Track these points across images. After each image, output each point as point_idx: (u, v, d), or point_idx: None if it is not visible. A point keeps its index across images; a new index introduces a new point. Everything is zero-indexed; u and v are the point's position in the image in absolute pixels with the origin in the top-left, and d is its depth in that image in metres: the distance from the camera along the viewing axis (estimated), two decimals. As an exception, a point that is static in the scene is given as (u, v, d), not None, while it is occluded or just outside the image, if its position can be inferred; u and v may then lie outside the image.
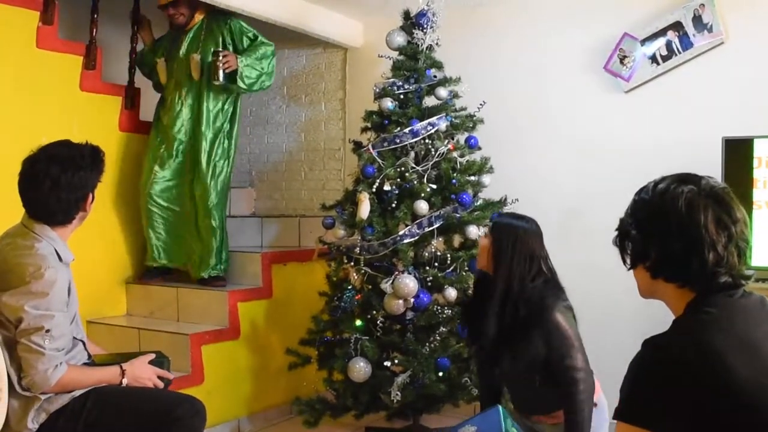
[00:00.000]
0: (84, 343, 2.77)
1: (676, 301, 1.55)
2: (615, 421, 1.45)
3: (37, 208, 2.59)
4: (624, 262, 1.63)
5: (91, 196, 2.66)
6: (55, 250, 2.57)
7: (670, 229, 1.49)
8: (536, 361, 2.62)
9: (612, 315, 4.13)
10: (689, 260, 1.47)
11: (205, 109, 4.47)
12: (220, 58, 4.29)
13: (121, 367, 2.68)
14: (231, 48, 4.45)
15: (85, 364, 2.71)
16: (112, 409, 2.60)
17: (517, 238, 2.74)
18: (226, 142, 4.57)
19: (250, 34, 4.50)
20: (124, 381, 2.67)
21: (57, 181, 2.53)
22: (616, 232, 1.63)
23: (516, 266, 2.70)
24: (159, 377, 2.78)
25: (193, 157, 4.52)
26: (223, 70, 4.30)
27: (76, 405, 2.56)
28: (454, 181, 3.86)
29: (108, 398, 2.61)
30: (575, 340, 2.60)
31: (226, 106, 4.57)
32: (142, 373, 2.72)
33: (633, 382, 1.44)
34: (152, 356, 2.81)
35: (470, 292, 3.13)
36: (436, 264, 3.86)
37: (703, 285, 1.49)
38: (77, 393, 2.57)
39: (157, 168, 4.53)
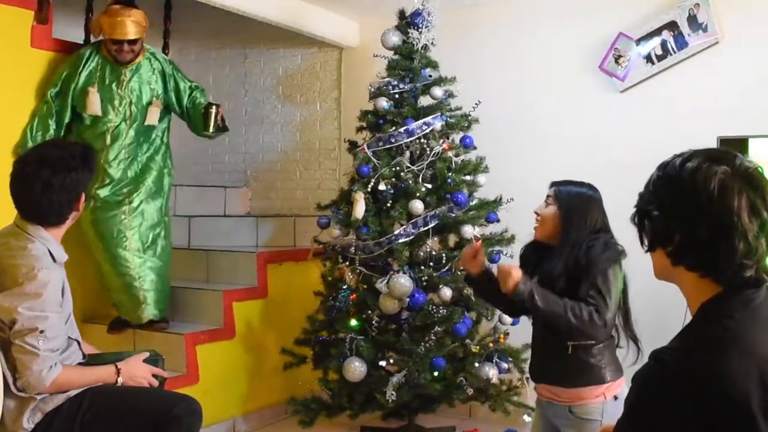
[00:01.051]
0: (79, 343, 2.76)
1: (694, 292, 1.40)
2: None
3: (29, 209, 2.58)
4: (641, 242, 1.48)
5: (83, 195, 2.65)
6: (49, 251, 2.56)
7: (698, 212, 1.34)
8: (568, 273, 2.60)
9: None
10: (717, 249, 1.33)
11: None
12: (214, 110, 4.16)
13: (116, 366, 2.67)
14: (162, 89, 4.23)
15: (79, 363, 2.70)
16: (108, 409, 2.60)
17: (588, 207, 2.73)
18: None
19: (189, 82, 4.35)
20: (120, 380, 2.67)
21: (49, 183, 2.51)
22: (635, 209, 1.48)
23: (583, 234, 2.67)
24: (154, 376, 2.77)
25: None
26: (218, 123, 4.19)
27: (72, 405, 2.56)
28: (449, 180, 3.86)
29: (104, 398, 2.61)
30: (614, 295, 2.56)
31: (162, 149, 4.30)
32: (137, 371, 2.72)
33: (639, 399, 1.32)
34: (146, 355, 2.80)
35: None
36: (432, 263, 3.85)
37: (728, 277, 1.34)
38: (73, 393, 2.56)
39: None
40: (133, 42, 4.02)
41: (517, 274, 2.52)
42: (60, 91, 4.05)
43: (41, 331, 2.42)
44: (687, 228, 1.36)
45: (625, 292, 2.68)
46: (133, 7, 4.06)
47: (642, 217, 1.45)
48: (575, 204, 2.75)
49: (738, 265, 1.32)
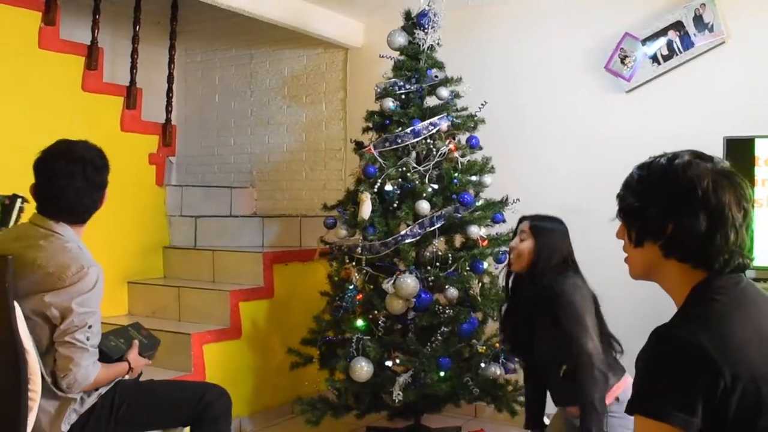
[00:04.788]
0: None
1: (680, 284, 1.50)
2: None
3: (67, 207, 2.55)
4: (629, 238, 1.57)
5: (106, 194, 2.68)
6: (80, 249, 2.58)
7: (696, 205, 1.44)
8: (558, 344, 2.74)
9: (615, 312, 4.12)
10: (712, 239, 1.44)
11: None
12: None
13: (128, 362, 2.73)
14: None
15: None
16: (142, 403, 2.70)
17: (557, 240, 2.96)
18: None
19: None
20: (127, 375, 2.74)
21: (92, 180, 2.55)
22: (619, 207, 1.58)
23: (554, 265, 2.89)
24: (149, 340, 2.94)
25: None
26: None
27: (105, 403, 2.61)
28: (455, 181, 3.87)
29: (134, 393, 2.70)
30: (587, 323, 2.72)
31: None
32: (140, 362, 2.80)
33: (649, 374, 1.40)
34: (137, 345, 2.83)
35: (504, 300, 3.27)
36: (438, 264, 3.86)
37: (720, 265, 1.46)
38: (103, 391, 2.61)
39: None
40: None
41: None
42: None
43: (89, 327, 2.46)
44: (684, 221, 1.46)
45: (596, 306, 2.86)
46: None
47: (630, 214, 1.55)
48: (551, 240, 2.96)
49: (730, 252, 1.45)
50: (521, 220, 3.06)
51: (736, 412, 1.33)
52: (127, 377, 2.74)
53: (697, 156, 1.51)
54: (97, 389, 2.59)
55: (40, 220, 2.57)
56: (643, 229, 1.53)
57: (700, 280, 1.48)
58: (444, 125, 3.97)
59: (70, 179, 2.51)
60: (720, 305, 1.43)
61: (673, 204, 1.47)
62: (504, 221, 4.06)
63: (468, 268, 3.85)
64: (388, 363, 3.78)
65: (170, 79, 5.44)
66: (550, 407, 3.08)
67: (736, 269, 1.47)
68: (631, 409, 1.41)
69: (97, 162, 2.59)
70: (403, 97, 4.07)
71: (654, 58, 4.22)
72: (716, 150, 3.69)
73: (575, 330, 2.68)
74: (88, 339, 2.46)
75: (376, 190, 3.87)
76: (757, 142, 3.72)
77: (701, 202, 1.44)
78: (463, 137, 4.13)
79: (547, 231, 2.98)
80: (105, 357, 2.65)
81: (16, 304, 2.36)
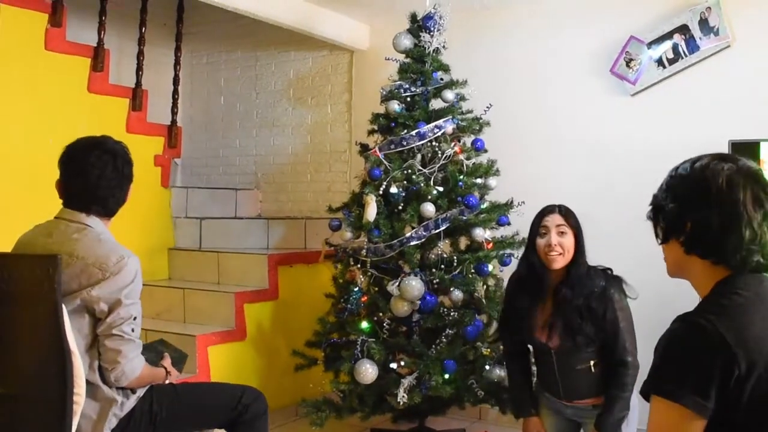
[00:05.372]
0: None
1: (705, 279, 1.56)
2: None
3: (98, 199, 2.54)
4: (656, 236, 1.64)
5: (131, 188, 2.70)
6: None
7: (709, 203, 1.51)
8: (597, 337, 2.81)
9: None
10: (727, 236, 1.49)
11: None
12: None
13: (165, 369, 2.75)
14: None
15: None
16: (181, 407, 2.69)
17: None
18: None
19: None
20: (167, 380, 2.75)
21: (122, 173, 2.57)
22: (650, 206, 1.65)
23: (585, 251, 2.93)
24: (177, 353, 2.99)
25: None
26: None
27: (143, 407, 2.59)
28: (460, 183, 3.87)
29: (172, 398, 2.69)
30: (631, 325, 2.84)
31: None
32: (173, 371, 2.81)
33: (666, 357, 1.45)
34: (168, 357, 2.85)
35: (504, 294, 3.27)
36: (443, 266, 3.86)
37: (737, 262, 1.50)
38: (140, 394, 2.60)
39: None
40: None
41: None
42: None
43: (134, 318, 2.46)
44: (700, 217, 1.52)
45: None
46: None
47: (656, 211, 1.63)
48: (580, 228, 2.95)
49: (746, 250, 1.49)
50: (545, 213, 2.95)
51: (750, 400, 1.38)
52: (167, 382, 2.74)
53: (720, 158, 1.56)
54: (135, 392, 2.57)
55: (69, 214, 2.55)
56: (666, 226, 1.60)
57: (722, 277, 1.53)
58: (449, 128, 3.98)
59: (103, 169, 2.51)
60: (741, 299, 1.48)
61: (689, 201, 1.54)
62: (509, 224, 4.06)
63: (473, 271, 3.85)
64: (393, 365, 3.78)
65: (176, 81, 5.46)
66: None
67: (756, 268, 1.52)
68: (647, 389, 1.47)
69: (126, 155, 2.62)
70: (408, 99, 4.07)
71: (659, 62, 4.22)
72: (722, 153, 3.70)
73: (628, 334, 2.81)
74: (133, 330, 2.46)
75: (381, 192, 3.87)
76: (763, 145, 3.71)
77: (715, 200, 1.50)
78: (468, 140, 4.13)
79: (577, 219, 2.95)
80: None
81: (63, 306, 2.34)
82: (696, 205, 1.53)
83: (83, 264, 2.42)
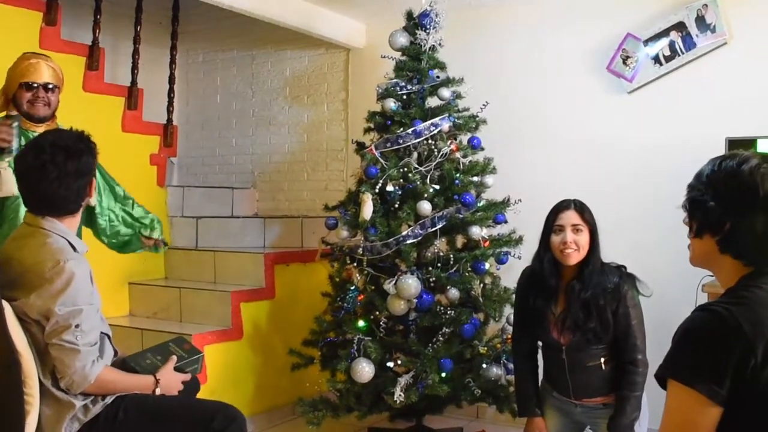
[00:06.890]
0: (109, 338, 2.69)
1: (732, 275, 1.57)
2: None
3: (45, 200, 2.48)
4: (690, 228, 1.63)
5: (94, 181, 2.62)
6: (69, 242, 2.50)
7: (755, 208, 1.51)
8: (605, 333, 2.82)
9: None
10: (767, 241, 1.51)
11: None
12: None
13: (155, 378, 2.64)
14: None
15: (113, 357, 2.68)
16: (147, 419, 2.56)
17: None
18: None
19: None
20: (158, 390, 2.63)
21: (64, 169, 2.45)
22: (687, 197, 1.63)
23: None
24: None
25: None
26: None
27: (108, 414, 2.50)
28: (457, 181, 3.86)
29: (141, 407, 2.56)
30: (642, 324, 2.85)
31: None
32: (171, 383, 2.69)
33: (685, 343, 1.48)
34: (174, 359, 2.75)
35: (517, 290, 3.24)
36: (439, 265, 3.85)
37: None
38: (108, 401, 2.51)
39: None
40: (48, 89, 3.27)
41: None
42: None
43: (77, 326, 2.37)
44: (743, 220, 1.52)
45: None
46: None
47: (695, 205, 1.61)
48: (595, 224, 2.94)
49: None
50: (560, 209, 2.92)
51: (765, 389, 1.40)
52: (157, 392, 2.63)
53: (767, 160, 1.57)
54: (104, 398, 2.50)
55: (30, 218, 2.54)
56: (703, 222, 1.59)
57: (749, 272, 1.56)
58: (445, 126, 3.97)
59: (41, 171, 2.43)
60: (763, 293, 1.49)
61: (734, 203, 1.54)
62: (506, 222, 4.05)
63: (469, 269, 3.84)
64: (390, 364, 3.78)
65: (171, 80, 5.45)
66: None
67: None
68: (663, 373, 1.49)
69: (71, 148, 2.49)
70: (404, 97, 4.06)
71: (656, 59, 4.22)
72: (718, 151, 3.68)
73: (639, 332, 2.82)
74: (77, 338, 2.38)
75: (377, 190, 3.87)
76: (760, 142, 3.71)
77: (762, 205, 1.51)
78: (464, 138, 4.13)
79: (589, 211, 2.95)
80: None
81: (6, 304, 2.32)
82: (741, 209, 1.52)
83: (22, 269, 2.41)
